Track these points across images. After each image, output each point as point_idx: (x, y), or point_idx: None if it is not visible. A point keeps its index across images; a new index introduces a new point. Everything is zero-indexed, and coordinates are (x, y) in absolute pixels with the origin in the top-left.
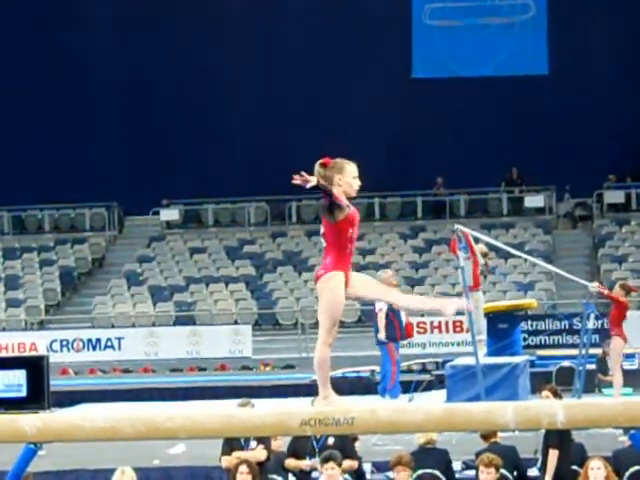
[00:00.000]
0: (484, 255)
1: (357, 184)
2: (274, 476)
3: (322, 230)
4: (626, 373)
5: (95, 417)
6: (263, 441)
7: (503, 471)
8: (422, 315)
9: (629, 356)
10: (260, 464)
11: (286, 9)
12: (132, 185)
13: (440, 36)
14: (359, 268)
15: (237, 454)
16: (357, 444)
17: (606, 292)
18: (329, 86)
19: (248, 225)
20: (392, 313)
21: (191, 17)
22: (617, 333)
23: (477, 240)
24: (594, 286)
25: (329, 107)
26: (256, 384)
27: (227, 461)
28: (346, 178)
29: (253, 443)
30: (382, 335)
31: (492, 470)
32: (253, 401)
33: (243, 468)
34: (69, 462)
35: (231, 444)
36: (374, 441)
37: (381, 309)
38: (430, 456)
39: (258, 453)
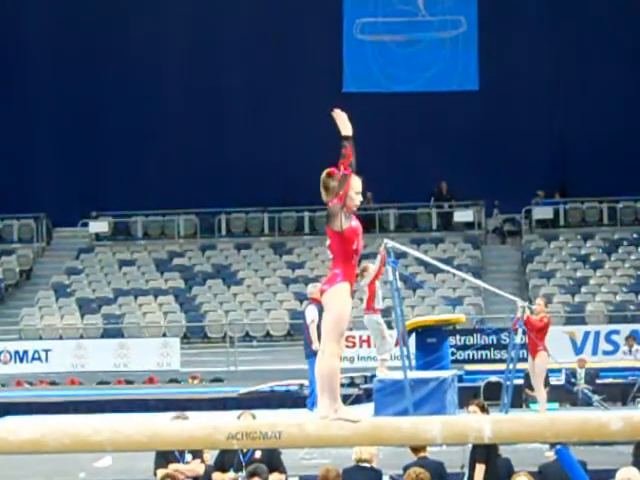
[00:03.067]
0: None
1: (359, 199)
2: None
3: (328, 242)
4: (552, 388)
5: (21, 430)
6: (199, 454)
7: None
8: (350, 329)
9: (555, 371)
10: (196, 478)
11: (220, 19)
12: (60, 196)
13: (371, 51)
14: (288, 282)
15: (174, 467)
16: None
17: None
18: (258, 100)
19: (177, 237)
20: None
21: (127, 29)
22: (543, 348)
23: (406, 254)
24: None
25: (259, 121)
26: (184, 397)
27: (162, 474)
28: (349, 192)
29: (189, 456)
30: (317, 345)
31: None
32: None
33: None
34: None
35: (166, 457)
36: (302, 455)
37: (313, 321)
38: (363, 474)
39: (196, 467)
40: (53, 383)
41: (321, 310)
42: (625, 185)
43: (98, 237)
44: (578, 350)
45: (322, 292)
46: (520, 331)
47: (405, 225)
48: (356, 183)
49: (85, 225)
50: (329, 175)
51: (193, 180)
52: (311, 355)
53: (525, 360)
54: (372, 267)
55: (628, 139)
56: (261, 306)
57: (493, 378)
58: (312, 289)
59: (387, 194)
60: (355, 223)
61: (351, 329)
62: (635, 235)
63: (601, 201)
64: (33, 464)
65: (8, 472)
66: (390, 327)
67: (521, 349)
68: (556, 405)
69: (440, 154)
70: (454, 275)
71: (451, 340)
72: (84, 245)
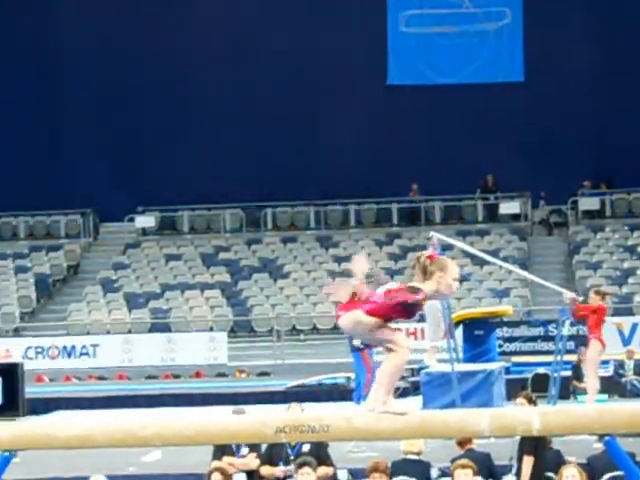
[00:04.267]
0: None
1: (456, 286)
2: None
3: (392, 285)
4: (601, 380)
5: (70, 425)
6: (255, 449)
7: (478, 478)
8: (397, 322)
9: (604, 362)
10: (251, 472)
11: (265, 12)
12: (107, 192)
13: (416, 43)
14: (334, 275)
15: (228, 460)
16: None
17: (586, 307)
18: (304, 93)
19: (224, 232)
20: None
21: (159, 24)
22: (596, 337)
23: (452, 247)
24: (568, 297)
25: (305, 114)
26: (231, 391)
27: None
28: (447, 278)
29: (244, 450)
30: (358, 341)
31: (469, 471)
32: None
33: (217, 476)
34: (43, 470)
35: (223, 449)
36: (350, 448)
37: None
38: (411, 466)
39: (250, 461)
40: (101, 378)
41: None
42: None
43: (145, 232)
44: (626, 341)
45: (337, 316)
46: (568, 323)
47: (451, 217)
48: (454, 270)
49: (132, 220)
50: (429, 259)
51: (239, 174)
52: (355, 349)
53: (572, 352)
54: None
55: None
56: (307, 300)
57: (540, 370)
58: (354, 282)
59: (433, 186)
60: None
61: (397, 321)
62: None
63: None
64: (82, 459)
65: (58, 467)
66: None
67: (568, 341)
68: (605, 396)
69: (485, 146)
70: (500, 267)
71: (498, 332)
72: (131, 240)
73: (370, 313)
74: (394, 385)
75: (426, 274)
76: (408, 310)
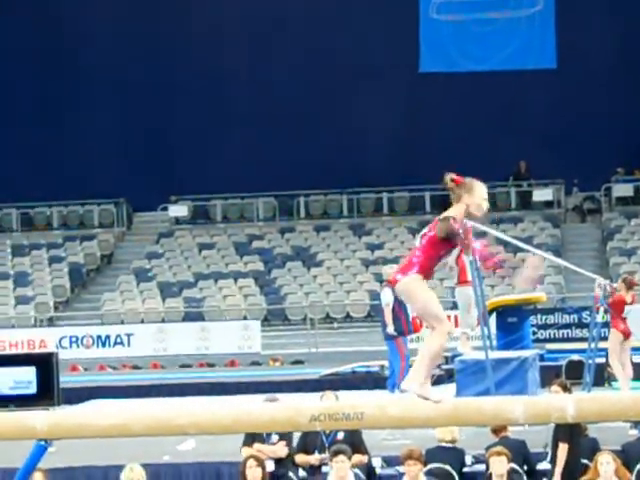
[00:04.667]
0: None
1: (486, 206)
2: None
3: (424, 230)
4: (635, 366)
5: (105, 414)
6: (285, 436)
7: (513, 465)
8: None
9: (636, 349)
10: (280, 460)
11: (290, 1)
12: (141, 181)
13: (447, 30)
14: (367, 263)
15: (258, 447)
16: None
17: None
18: (336, 81)
19: (257, 220)
20: (399, 307)
21: (191, 12)
22: (614, 325)
23: (485, 234)
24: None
25: (336, 102)
26: (265, 380)
27: (247, 452)
28: (475, 199)
29: (275, 437)
30: (391, 328)
31: (504, 458)
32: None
33: (252, 462)
34: (79, 459)
35: (253, 436)
36: (384, 436)
37: (387, 304)
38: (446, 454)
39: (278, 449)
40: (135, 367)
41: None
42: None
43: (178, 221)
44: None
45: (394, 281)
46: (602, 309)
47: None
48: (481, 190)
49: (165, 209)
50: (454, 182)
51: (271, 163)
52: (389, 337)
53: (607, 339)
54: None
55: None
56: (341, 288)
57: (575, 357)
58: (389, 270)
59: (465, 173)
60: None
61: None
62: None
63: None
64: (117, 448)
65: (93, 455)
66: None
67: (602, 327)
68: (639, 384)
69: (518, 133)
70: (534, 254)
71: (532, 319)
72: (164, 229)
73: (421, 268)
74: (434, 367)
75: (455, 197)
76: (446, 241)
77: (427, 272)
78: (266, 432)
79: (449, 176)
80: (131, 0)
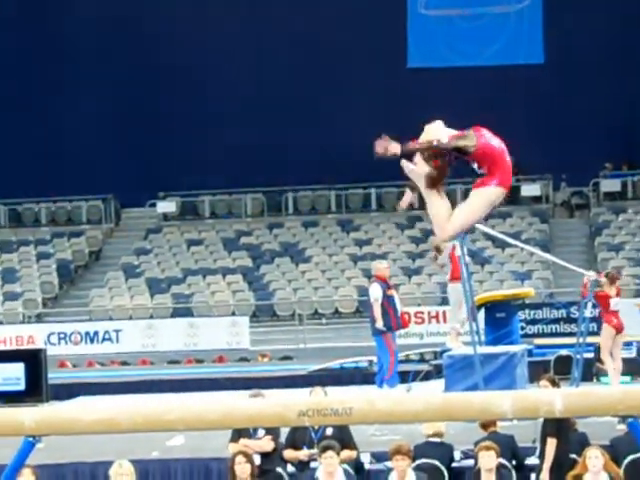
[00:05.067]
0: None
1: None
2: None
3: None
4: (624, 361)
5: (93, 410)
6: (271, 432)
7: (502, 460)
8: (419, 304)
9: (627, 344)
10: (267, 454)
11: None
12: (129, 177)
13: (435, 26)
14: (355, 259)
15: (244, 442)
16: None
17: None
18: (324, 77)
19: (245, 216)
20: (387, 303)
21: (175, 10)
22: (606, 320)
23: (473, 229)
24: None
25: (324, 98)
26: (254, 375)
27: (234, 448)
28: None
29: (261, 432)
30: (380, 324)
31: (492, 453)
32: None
33: (240, 458)
34: (68, 455)
35: (240, 432)
36: (372, 431)
37: (376, 299)
38: (434, 449)
39: (264, 444)
40: (124, 363)
41: (385, 288)
42: None
43: (166, 217)
44: None
45: (475, 186)
46: (590, 304)
47: None
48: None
49: (153, 205)
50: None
51: (260, 159)
52: (377, 333)
53: (596, 334)
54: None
55: None
56: (329, 284)
57: (563, 352)
58: (378, 265)
59: (453, 169)
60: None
61: (419, 305)
62: None
63: None
64: (106, 443)
65: (81, 452)
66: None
67: (591, 322)
68: (628, 378)
69: (506, 128)
70: (522, 249)
71: (520, 314)
72: (152, 225)
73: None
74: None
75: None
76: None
77: (506, 178)
78: (252, 427)
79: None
80: None
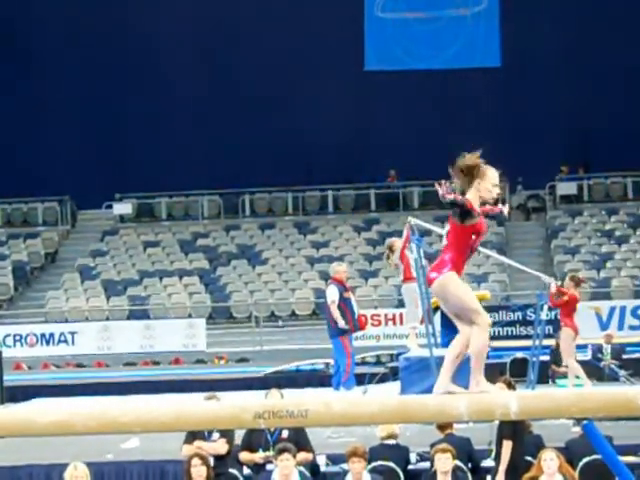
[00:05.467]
0: None
1: (496, 192)
2: (229, 469)
3: (447, 228)
4: (579, 364)
5: (49, 412)
6: (226, 434)
7: (458, 462)
8: (375, 307)
9: (581, 347)
10: (221, 457)
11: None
12: (85, 179)
13: (392, 29)
14: (312, 261)
15: (198, 444)
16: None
17: (559, 302)
18: (281, 80)
19: (202, 218)
20: (344, 305)
21: (143, 12)
22: (566, 324)
23: (430, 232)
24: (551, 284)
25: (282, 100)
26: (210, 378)
27: (187, 450)
28: (486, 184)
29: (215, 435)
30: (342, 323)
31: (449, 455)
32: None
33: (196, 461)
34: (23, 457)
35: (194, 434)
36: (329, 434)
37: (333, 301)
38: (390, 451)
39: (219, 446)
40: (79, 365)
41: (342, 290)
42: None
43: (122, 219)
44: (604, 325)
45: (430, 280)
46: (546, 307)
47: (429, 202)
48: (493, 175)
49: (109, 207)
50: (464, 167)
51: (216, 161)
52: (335, 335)
53: (551, 336)
54: (398, 241)
55: None
56: (286, 286)
57: (519, 354)
58: (337, 267)
59: (410, 171)
60: (481, 220)
61: (376, 307)
62: None
63: (625, 176)
64: (60, 446)
65: (36, 454)
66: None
67: (547, 325)
68: (582, 380)
69: (463, 131)
70: (479, 252)
71: None
72: (108, 227)
73: (453, 263)
74: (483, 365)
75: (465, 182)
76: (468, 227)
77: (459, 266)
78: (207, 430)
79: (465, 159)
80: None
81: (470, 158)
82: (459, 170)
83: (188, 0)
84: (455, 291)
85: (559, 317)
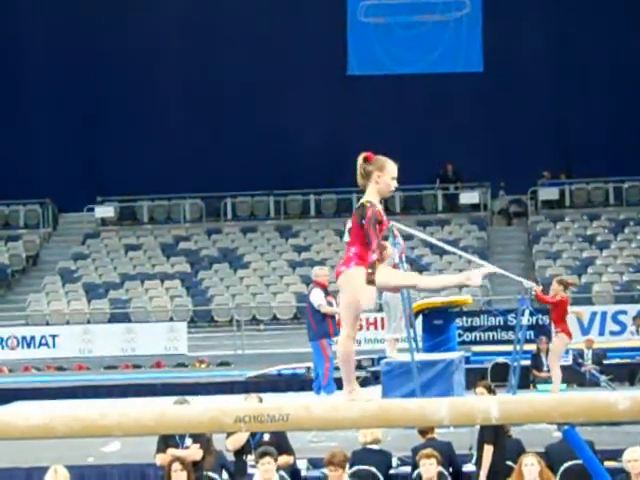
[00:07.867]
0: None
1: (394, 185)
2: (209, 474)
3: (349, 225)
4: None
5: (29, 415)
6: (199, 439)
7: (439, 467)
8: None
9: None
10: (195, 463)
11: (221, 1)
12: (66, 182)
13: (375, 33)
14: (294, 265)
15: (171, 452)
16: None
17: (548, 298)
18: (264, 82)
19: (183, 222)
20: None
21: (125, 17)
22: (562, 329)
23: (411, 236)
24: (533, 288)
25: (264, 104)
26: (191, 381)
27: (161, 459)
28: (385, 177)
29: (188, 441)
30: (336, 309)
31: (433, 461)
32: (189, 399)
33: (177, 466)
34: (3, 460)
35: (166, 441)
36: (310, 437)
37: (320, 304)
38: (372, 456)
39: (193, 452)
40: (60, 368)
41: (324, 294)
42: (631, 165)
43: (104, 222)
44: (585, 331)
45: (338, 274)
46: (527, 312)
47: (411, 207)
48: (392, 168)
49: (91, 210)
50: (366, 160)
51: (198, 164)
52: (314, 338)
53: (532, 342)
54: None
55: (634, 119)
56: (267, 289)
57: (500, 359)
58: (319, 271)
59: None
60: (379, 209)
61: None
62: None
63: (607, 181)
64: (41, 449)
65: (17, 457)
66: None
67: (528, 330)
68: (564, 386)
69: (445, 136)
70: (460, 257)
71: (458, 322)
72: (90, 230)
73: (360, 258)
74: (350, 372)
75: (365, 175)
76: (371, 227)
77: (367, 258)
78: (179, 436)
79: (363, 155)
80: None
81: (366, 154)
82: (360, 165)
83: (171, 4)
84: (351, 287)
85: (552, 323)
